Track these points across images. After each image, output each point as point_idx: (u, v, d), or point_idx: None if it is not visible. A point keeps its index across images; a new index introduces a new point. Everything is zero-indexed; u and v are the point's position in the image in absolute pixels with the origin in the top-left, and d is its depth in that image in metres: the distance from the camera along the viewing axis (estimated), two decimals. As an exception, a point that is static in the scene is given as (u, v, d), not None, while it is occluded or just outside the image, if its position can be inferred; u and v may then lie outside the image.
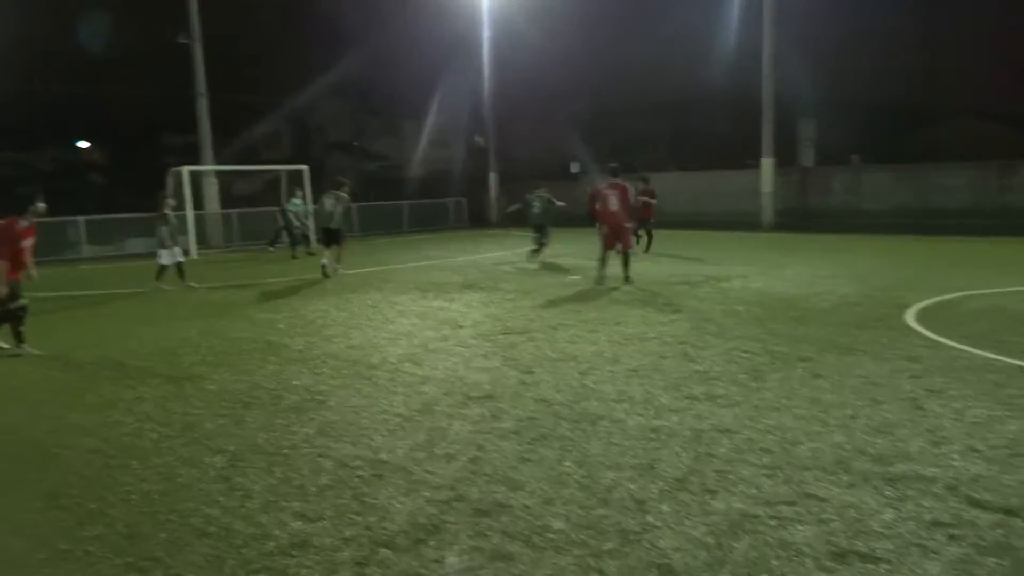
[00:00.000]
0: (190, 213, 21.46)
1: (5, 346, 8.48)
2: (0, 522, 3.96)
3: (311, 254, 19.94)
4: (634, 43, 34.24)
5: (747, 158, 27.44)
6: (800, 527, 3.54)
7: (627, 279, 12.02)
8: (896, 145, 29.39)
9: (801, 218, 25.31)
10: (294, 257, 19.74)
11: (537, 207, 16.33)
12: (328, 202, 14.57)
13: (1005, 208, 22.15)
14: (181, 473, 4.56)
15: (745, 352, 7.14)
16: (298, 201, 20.59)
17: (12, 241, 8.07)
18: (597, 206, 12.17)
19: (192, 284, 13.72)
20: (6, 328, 8.38)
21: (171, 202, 14.19)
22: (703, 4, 30.41)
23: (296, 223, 20.38)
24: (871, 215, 24.59)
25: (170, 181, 21.92)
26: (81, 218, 22.80)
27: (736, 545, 3.39)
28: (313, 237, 20.27)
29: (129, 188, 29.84)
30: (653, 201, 17.68)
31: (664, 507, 3.81)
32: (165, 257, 13.50)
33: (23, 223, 8.20)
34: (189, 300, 12.35)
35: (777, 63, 24.43)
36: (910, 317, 8.63)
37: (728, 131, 30.33)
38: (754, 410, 5.35)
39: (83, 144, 42.09)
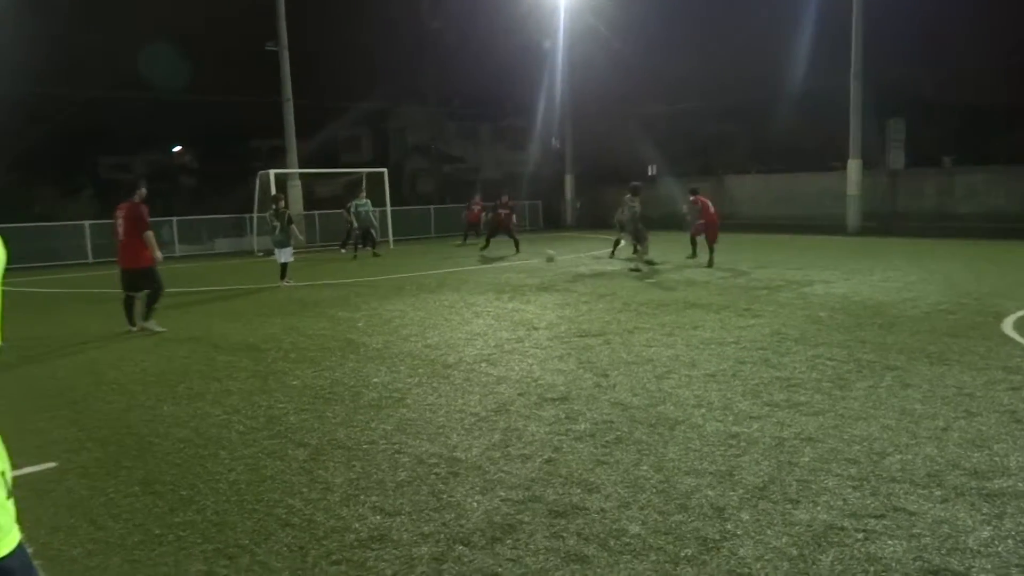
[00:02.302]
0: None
1: (161, 329, 9.55)
2: (101, 506, 4.18)
3: (376, 255, 20.32)
4: (712, 43, 33.61)
5: (832, 160, 26.58)
6: (890, 542, 3.41)
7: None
8: (990, 146, 27.96)
9: (889, 222, 24.38)
10: (375, 255, 20.21)
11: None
12: (637, 206, 15.24)
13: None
14: (266, 464, 4.72)
15: (829, 359, 6.91)
16: (364, 202, 20.91)
17: (145, 218, 9.43)
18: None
19: (291, 282, 14.30)
20: (154, 311, 9.73)
21: (283, 203, 15.03)
22: (785, 1, 29.62)
23: (355, 224, 20.71)
24: (964, 219, 23.50)
25: (257, 183, 22.75)
26: (174, 218, 23.87)
27: (821, 558, 3.28)
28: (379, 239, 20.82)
29: (218, 190, 31.11)
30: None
31: (744, 515, 3.73)
32: (284, 255, 14.14)
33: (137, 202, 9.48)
34: (274, 298, 12.76)
35: (865, 62, 23.59)
36: (1008, 326, 8.19)
37: (810, 132, 29.43)
38: (839, 419, 5.18)
39: (176, 148, 44.08)
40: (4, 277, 1.69)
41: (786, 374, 6.45)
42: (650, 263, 15.55)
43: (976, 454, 4.44)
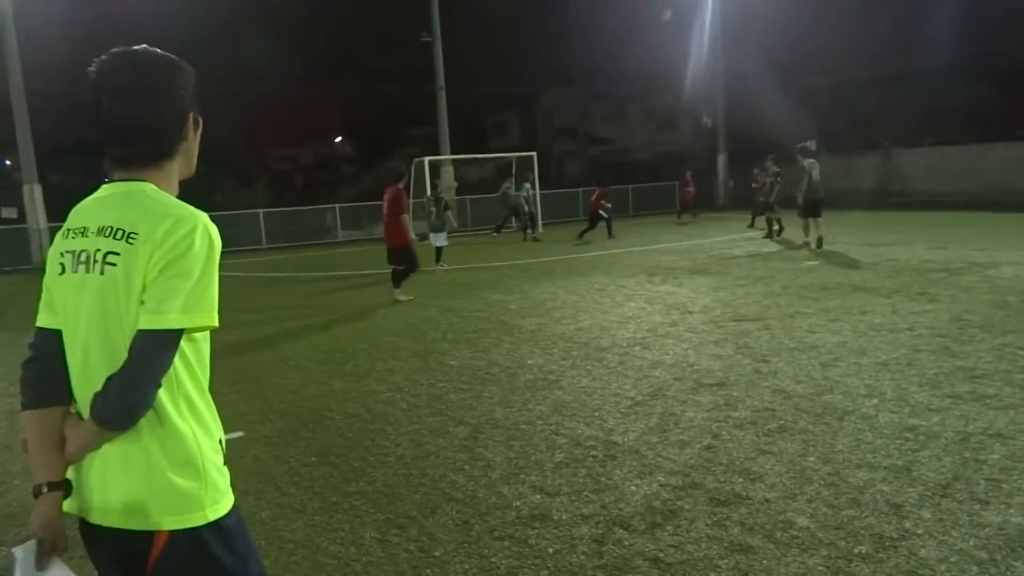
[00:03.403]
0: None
1: (407, 298, 10.78)
2: (283, 473, 4.53)
3: (536, 240, 20.55)
4: (878, 5, 31.16)
5: (1020, 128, 24.08)
6: (1099, 551, 3.08)
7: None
8: None
9: (1091, 196, 21.78)
10: (535, 239, 20.48)
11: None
12: (816, 172, 14.26)
13: None
14: (429, 441, 4.93)
15: (1021, 349, 6.30)
16: (527, 186, 21.28)
17: (404, 201, 10.66)
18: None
19: (444, 266, 14.75)
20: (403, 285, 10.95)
21: (439, 189, 15.92)
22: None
23: (525, 208, 21.06)
24: None
25: (412, 170, 23.59)
26: (337, 205, 25.29)
27: (1016, 564, 3.02)
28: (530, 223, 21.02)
29: (375, 177, 32.64)
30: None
31: (925, 514, 3.49)
32: (439, 240, 14.74)
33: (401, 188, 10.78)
34: (430, 281, 13.25)
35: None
36: None
37: (994, 99, 26.71)
38: (1034, 414, 4.72)
39: (337, 139, 46.65)
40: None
41: (970, 364, 5.95)
42: (818, 244, 14.21)
43: None
